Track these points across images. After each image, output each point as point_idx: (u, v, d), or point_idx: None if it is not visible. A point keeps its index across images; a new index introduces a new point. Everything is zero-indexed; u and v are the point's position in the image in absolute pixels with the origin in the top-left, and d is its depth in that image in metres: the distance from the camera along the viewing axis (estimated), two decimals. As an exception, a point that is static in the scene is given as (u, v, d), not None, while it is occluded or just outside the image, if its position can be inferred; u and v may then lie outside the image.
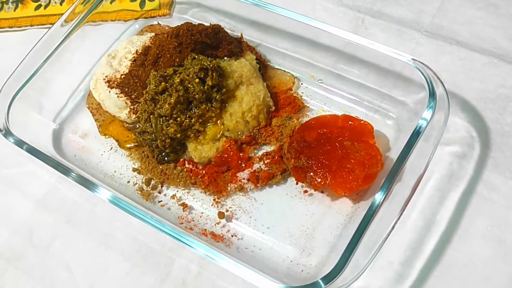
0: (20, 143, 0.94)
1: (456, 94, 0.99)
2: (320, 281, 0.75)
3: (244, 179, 0.96)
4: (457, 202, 0.89)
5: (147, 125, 0.97)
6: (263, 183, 0.95)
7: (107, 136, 1.05)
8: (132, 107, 1.03)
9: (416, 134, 0.83)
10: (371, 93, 1.01)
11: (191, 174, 0.97)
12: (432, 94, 0.85)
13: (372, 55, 0.96)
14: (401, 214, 0.77)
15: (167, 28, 1.18)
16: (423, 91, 0.89)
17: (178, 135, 0.95)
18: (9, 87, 1.00)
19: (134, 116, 1.02)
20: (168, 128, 0.94)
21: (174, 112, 0.94)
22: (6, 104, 0.98)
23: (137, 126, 1.04)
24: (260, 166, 0.97)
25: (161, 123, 0.95)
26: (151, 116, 0.96)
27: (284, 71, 1.07)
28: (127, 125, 1.05)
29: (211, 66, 0.93)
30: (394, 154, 0.93)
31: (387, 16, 1.12)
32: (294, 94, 1.04)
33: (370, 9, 1.14)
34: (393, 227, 0.77)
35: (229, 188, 0.96)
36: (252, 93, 0.98)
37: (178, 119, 0.94)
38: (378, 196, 0.80)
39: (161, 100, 0.95)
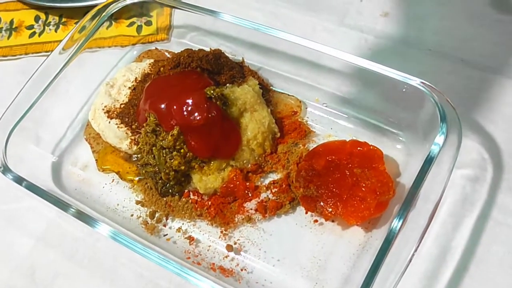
0: (19, 180, 0.91)
1: (464, 115, 0.96)
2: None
3: (251, 209, 0.94)
4: (472, 228, 0.87)
5: (150, 157, 0.94)
6: (271, 213, 0.92)
7: (105, 172, 1.02)
8: (132, 137, 1.00)
9: (429, 161, 0.81)
10: (378, 116, 0.98)
11: (196, 206, 0.95)
12: (444, 119, 0.83)
13: (378, 78, 0.93)
14: (418, 245, 0.75)
15: (165, 53, 1.16)
16: (432, 113, 0.87)
17: (182, 167, 0.92)
18: (6, 121, 0.97)
19: (135, 147, 0.99)
20: (172, 160, 0.91)
21: (177, 143, 0.91)
22: (3, 139, 0.95)
23: (135, 157, 1.01)
24: (268, 195, 0.94)
25: (164, 155, 0.92)
26: (154, 148, 0.93)
27: (288, 94, 1.05)
28: (122, 154, 1.02)
29: (214, 94, 0.91)
30: (405, 179, 0.91)
31: (390, 36, 1.11)
32: (299, 119, 1.01)
33: (372, 29, 1.13)
34: (410, 260, 0.74)
35: (236, 219, 0.93)
36: (257, 120, 0.96)
37: (182, 150, 0.92)
38: (393, 226, 0.77)
39: (162, 131, 0.93)
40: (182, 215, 0.94)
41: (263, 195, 0.95)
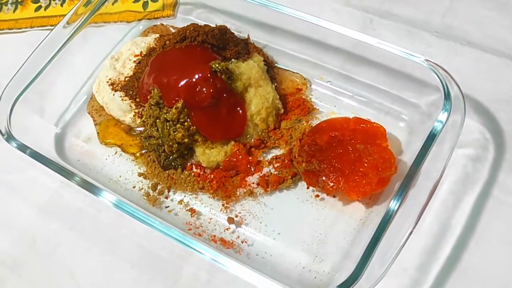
0: (23, 148, 0.92)
1: (469, 96, 0.97)
2: (337, 288, 0.73)
3: (253, 183, 0.94)
4: (473, 206, 0.87)
5: (153, 129, 0.95)
6: (273, 188, 0.92)
7: (108, 145, 1.02)
8: (136, 110, 1.00)
9: (431, 137, 0.81)
10: (382, 95, 0.98)
11: (198, 179, 0.95)
12: (447, 96, 0.84)
13: (382, 56, 0.94)
14: (417, 221, 0.75)
15: (171, 28, 1.16)
16: (436, 92, 0.88)
17: (186, 140, 0.92)
18: (10, 90, 0.98)
19: (139, 120, 0.99)
20: (175, 133, 0.92)
21: (181, 116, 0.92)
22: (8, 107, 0.96)
23: (138, 130, 1.01)
24: (270, 170, 0.95)
25: (168, 127, 0.92)
26: (157, 120, 0.93)
27: (293, 72, 1.05)
28: (124, 126, 1.03)
29: (219, 68, 0.91)
30: (407, 157, 0.91)
31: (396, 16, 1.11)
32: (303, 96, 1.02)
33: (378, 9, 1.12)
34: (410, 234, 0.75)
35: (238, 193, 0.93)
36: (261, 95, 0.96)
37: (186, 123, 0.92)
38: (394, 202, 0.78)
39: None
40: (184, 187, 0.95)
41: (265, 170, 0.95)
